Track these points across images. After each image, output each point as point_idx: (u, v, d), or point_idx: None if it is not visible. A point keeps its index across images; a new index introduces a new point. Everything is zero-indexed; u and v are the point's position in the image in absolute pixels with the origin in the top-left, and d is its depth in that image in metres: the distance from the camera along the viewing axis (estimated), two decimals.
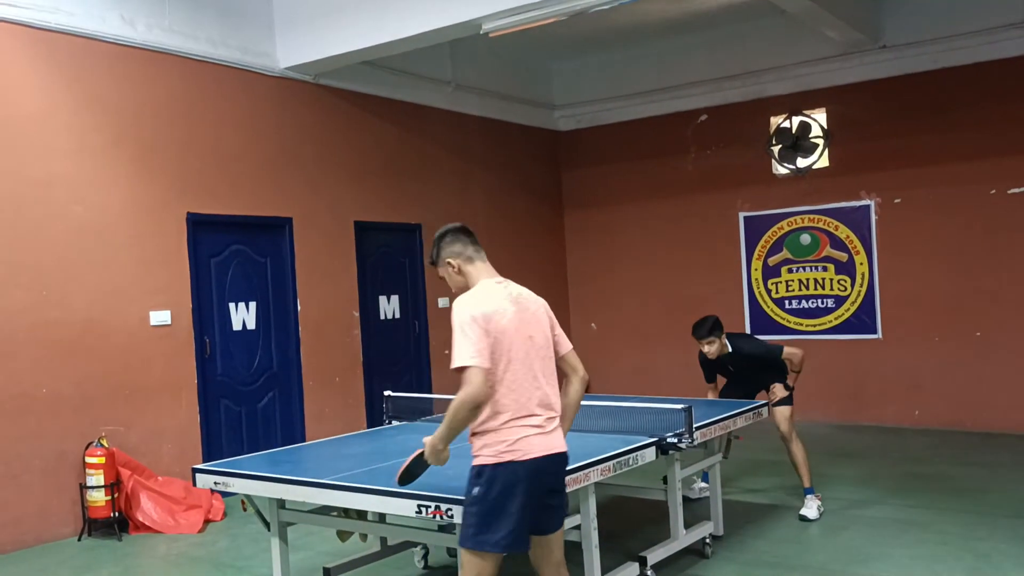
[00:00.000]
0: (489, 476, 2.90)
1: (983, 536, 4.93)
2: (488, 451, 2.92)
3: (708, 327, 5.48)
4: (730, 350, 5.55)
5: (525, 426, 2.95)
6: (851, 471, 6.73)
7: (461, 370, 2.85)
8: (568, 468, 3.51)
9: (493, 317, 2.93)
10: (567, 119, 10.64)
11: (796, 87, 9.01)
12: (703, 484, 5.98)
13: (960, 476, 6.45)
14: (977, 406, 8.17)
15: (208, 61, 6.92)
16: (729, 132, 9.46)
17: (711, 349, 5.50)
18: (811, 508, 5.46)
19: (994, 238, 8.09)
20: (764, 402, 5.37)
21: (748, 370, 5.63)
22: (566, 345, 3.22)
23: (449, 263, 3.12)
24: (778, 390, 5.55)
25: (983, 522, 5.20)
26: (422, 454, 3.05)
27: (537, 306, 3.12)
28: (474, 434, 2.97)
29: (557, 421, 3.06)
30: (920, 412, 8.48)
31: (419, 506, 3.17)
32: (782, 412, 5.54)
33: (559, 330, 3.22)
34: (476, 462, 2.95)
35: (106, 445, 5.91)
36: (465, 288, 3.11)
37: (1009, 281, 8.03)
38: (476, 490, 2.91)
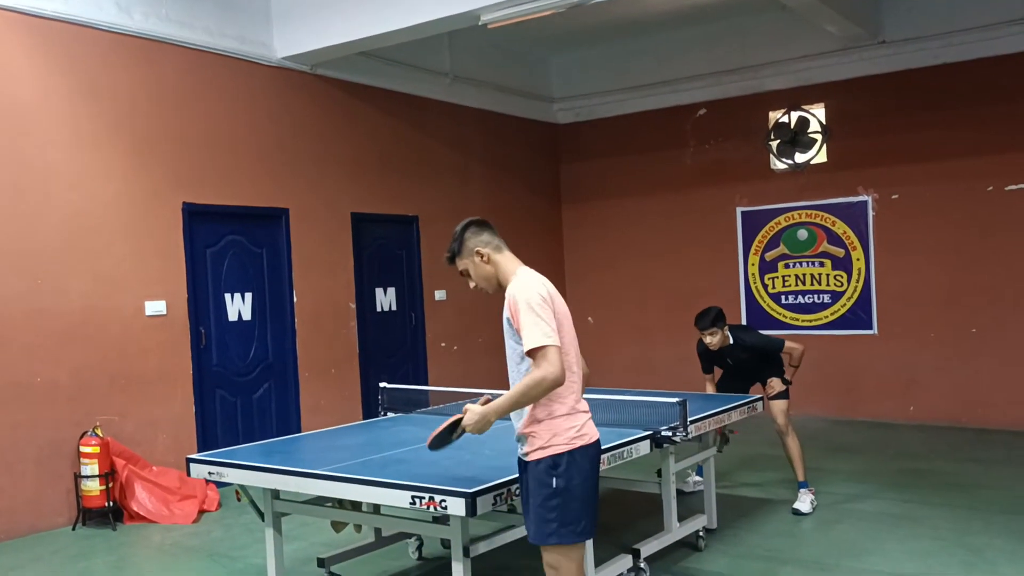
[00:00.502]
0: (567, 464, 2.83)
1: (977, 531, 4.95)
2: (560, 439, 2.84)
3: (711, 318, 5.49)
4: (731, 342, 5.56)
5: (584, 412, 2.97)
6: (846, 466, 6.74)
7: (535, 352, 2.73)
8: None
9: (555, 299, 2.90)
10: (566, 112, 10.62)
11: (795, 82, 9.00)
12: (698, 478, 5.99)
13: (954, 472, 6.47)
14: (972, 402, 8.19)
15: (205, 50, 6.90)
16: (727, 127, 9.45)
17: (713, 340, 5.50)
18: (804, 502, 5.48)
19: (991, 235, 8.10)
20: (759, 396, 5.38)
21: (747, 363, 5.64)
22: None
23: (479, 252, 2.99)
24: (775, 384, 5.56)
25: (977, 517, 5.22)
26: (459, 421, 2.95)
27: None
28: (538, 421, 2.86)
29: None
30: (915, 408, 8.50)
31: (413, 497, 3.17)
32: (779, 406, 5.55)
33: None
34: (548, 452, 2.84)
35: (101, 435, 5.91)
36: (492, 279, 3.02)
37: (1005, 278, 8.04)
38: (556, 482, 2.82)
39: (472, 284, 3.09)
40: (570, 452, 2.85)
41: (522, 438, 2.93)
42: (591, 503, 2.90)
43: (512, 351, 2.95)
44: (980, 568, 4.36)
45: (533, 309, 2.77)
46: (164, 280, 6.58)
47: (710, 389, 5.88)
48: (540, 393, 2.77)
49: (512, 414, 2.95)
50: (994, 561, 4.45)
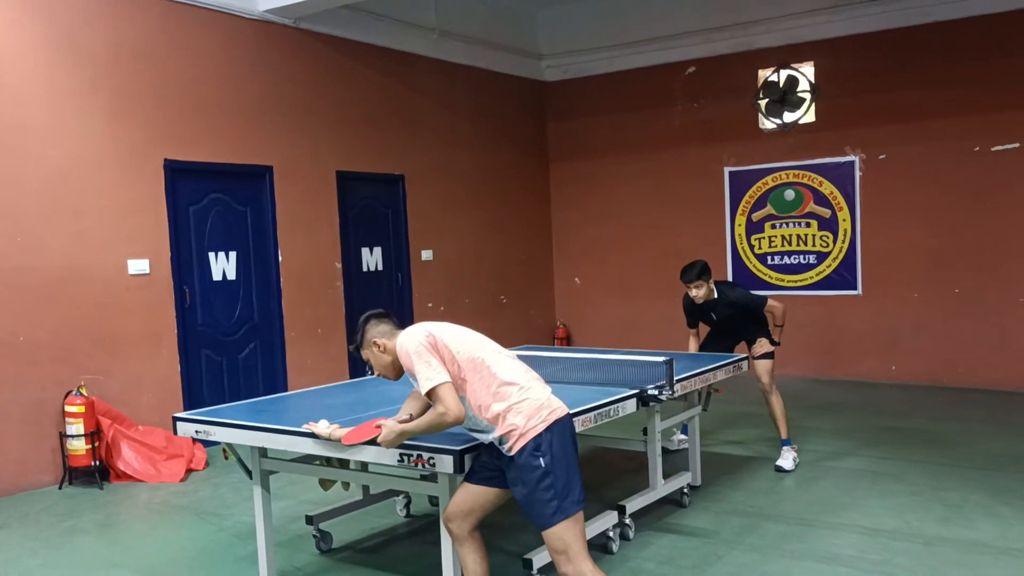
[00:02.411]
0: (548, 442, 2.93)
1: (954, 487, 5.04)
2: (535, 420, 2.95)
3: (697, 271, 5.51)
4: (716, 296, 5.58)
5: (543, 386, 3.10)
6: (827, 424, 6.84)
7: (430, 394, 2.95)
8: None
9: (445, 331, 3.12)
10: (554, 69, 10.49)
11: (785, 40, 8.92)
12: (682, 436, 6.06)
13: (933, 430, 6.57)
14: (953, 362, 8.29)
15: (186, 3, 6.73)
16: (717, 85, 9.38)
17: (699, 293, 5.52)
18: (787, 459, 5.56)
19: (976, 195, 8.13)
20: (744, 356, 5.42)
21: (731, 319, 5.66)
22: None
23: (375, 343, 3.21)
24: (764, 344, 5.59)
25: (954, 474, 5.32)
26: (373, 441, 3.17)
27: None
28: (505, 418, 2.96)
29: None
30: (896, 367, 8.61)
31: (401, 455, 3.18)
32: (764, 365, 5.60)
33: None
34: (529, 437, 2.93)
35: (85, 394, 5.89)
36: (389, 367, 3.22)
37: (989, 239, 8.09)
38: (543, 461, 2.91)
39: (376, 373, 3.30)
40: (548, 429, 2.95)
41: (503, 439, 2.99)
42: (577, 471, 3.00)
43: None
44: (956, 522, 4.45)
45: (418, 355, 2.98)
46: (146, 238, 6.50)
47: (693, 344, 5.91)
48: (445, 427, 2.99)
49: (473, 434, 3.11)
50: (970, 515, 4.55)
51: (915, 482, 5.18)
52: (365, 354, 3.27)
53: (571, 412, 3.13)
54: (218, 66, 6.99)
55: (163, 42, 6.61)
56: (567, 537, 2.89)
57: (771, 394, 5.63)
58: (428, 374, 2.95)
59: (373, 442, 3.17)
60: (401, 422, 3.14)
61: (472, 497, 3.13)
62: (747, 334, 5.72)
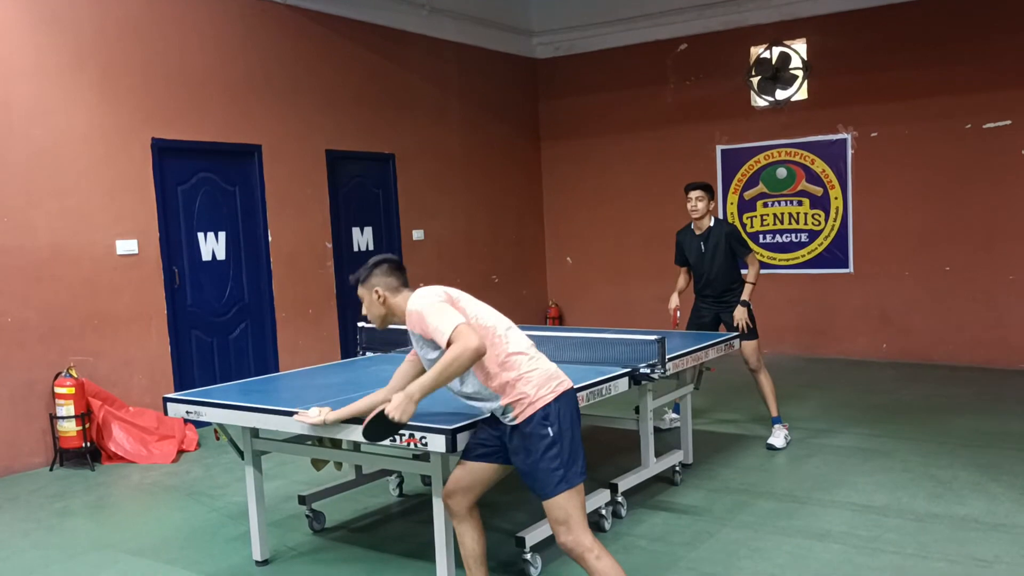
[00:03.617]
0: (556, 411, 2.92)
1: (944, 464, 5.08)
2: (544, 390, 2.93)
3: (702, 183, 5.70)
4: (712, 226, 5.67)
5: (549, 361, 3.06)
6: (818, 402, 6.87)
7: (450, 340, 2.79)
8: None
9: (460, 294, 3.06)
10: (545, 46, 10.41)
11: (778, 16, 8.86)
12: (674, 415, 6.08)
13: (924, 407, 6.61)
14: (943, 340, 8.33)
15: None
16: (709, 62, 9.32)
17: (699, 206, 5.64)
18: (778, 437, 5.59)
19: (967, 173, 8.13)
20: (735, 334, 5.42)
21: (715, 262, 5.68)
22: None
23: (376, 291, 3.13)
24: (740, 314, 5.60)
25: (944, 451, 5.35)
26: (381, 414, 2.90)
27: None
28: (514, 386, 2.91)
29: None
30: (887, 345, 8.65)
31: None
32: (750, 345, 5.62)
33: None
34: (537, 406, 2.90)
35: (75, 375, 5.85)
36: (379, 317, 3.17)
37: (980, 217, 8.10)
38: (551, 430, 2.89)
39: (363, 312, 3.23)
40: (556, 399, 2.94)
41: (507, 408, 2.95)
42: (580, 443, 2.99)
43: (429, 363, 3.02)
44: (946, 498, 4.48)
45: (432, 308, 2.89)
46: (135, 218, 6.44)
47: (682, 280, 5.97)
48: (463, 365, 2.79)
49: (472, 402, 3.06)
50: (960, 492, 4.58)
51: (905, 459, 5.22)
52: (362, 293, 3.18)
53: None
54: (205, 44, 6.90)
55: (149, 19, 6.51)
56: (569, 507, 2.88)
57: (759, 373, 5.65)
58: (446, 320, 2.81)
59: (390, 425, 2.92)
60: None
61: (470, 474, 3.12)
62: (725, 293, 5.72)
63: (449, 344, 2.80)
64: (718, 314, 5.78)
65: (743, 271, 5.73)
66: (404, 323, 3.10)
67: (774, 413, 5.66)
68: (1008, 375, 7.72)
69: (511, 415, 2.97)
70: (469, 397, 3.06)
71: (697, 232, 5.76)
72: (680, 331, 5.79)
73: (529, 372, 2.94)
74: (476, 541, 3.17)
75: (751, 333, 5.62)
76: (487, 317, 3.03)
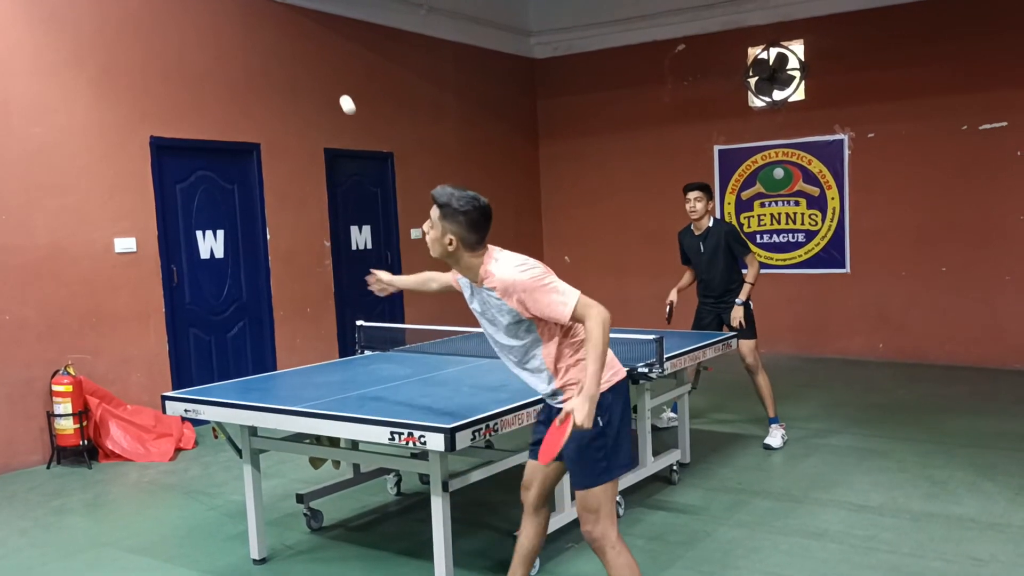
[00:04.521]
0: (610, 402, 2.80)
1: (940, 464, 5.10)
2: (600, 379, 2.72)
3: (700, 184, 5.74)
4: (711, 225, 5.70)
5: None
6: (815, 402, 6.89)
7: (575, 312, 2.66)
8: (536, 399, 3.53)
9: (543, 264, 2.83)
10: (543, 46, 10.41)
11: (775, 17, 8.88)
12: (672, 414, 6.09)
13: (920, 407, 6.63)
14: (940, 339, 8.35)
15: None
16: (706, 63, 9.34)
17: (697, 206, 5.66)
18: (775, 437, 5.60)
19: (963, 174, 8.15)
20: (734, 334, 5.44)
21: (714, 261, 5.70)
22: None
23: (450, 239, 2.78)
24: (738, 313, 5.61)
25: (941, 451, 5.37)
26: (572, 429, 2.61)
27: None
28: (568, 371, 2.81)
29: None
30: (884, 345, 8.67)
31: (392, 433, 3.17)
32: (748, 345, 5.63)
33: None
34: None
35: (73, 373, 5.85)
36: (442, 255, 2.83)
37: (976, 217, 8.12)
38: (600, 420, 2.74)
39: (424, 234, 2.89)
40: (611, 389, 2.82)
41: (557, 392, 2.87)
42: (628, 434, 2.91)
43: (511, 335, 2.84)
44: (942, 498, 4.50)
45: (543, 283, 2.69)
46: (133, 216, 6.44)
47: (687, 277, 6.00)
48: (607, 333, 2.64)
49: (527, 376, 2.93)
50: (956, 491, 4.60)
51: (902, 459, 5.23)
52: (434, 219, 2.80)
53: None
54: (204, 42, 6.90)
55: (148, 17, 6.50)
56: (604, 498, 2.81)
57: (757, 373, 5.66)
58: (568, 294, 2.67)
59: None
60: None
61: (535, 466, 3.07)
62: (725, 294, 5.74)
63: (574, 317, 2.65)
64: (719, 315, 5.79)
65: (743, 271, 5.74)
66: (468, 276, 2.86)
67: (771, 413, 5.68)
68: (1004, 375, 7.74)
69: (560, 399, 2.88)
70: (529, 369, 2.90)
71: (696, 232, 5.78)
72: (670, 329, 5.80)
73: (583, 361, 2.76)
74: (530, 539, 3.13)
75: (749, 332, 5.63)
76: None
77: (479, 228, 2.79)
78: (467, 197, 2.78)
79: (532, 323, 2.80)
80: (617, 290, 10.11)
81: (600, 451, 2.80)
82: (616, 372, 2.88)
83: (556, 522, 3.94)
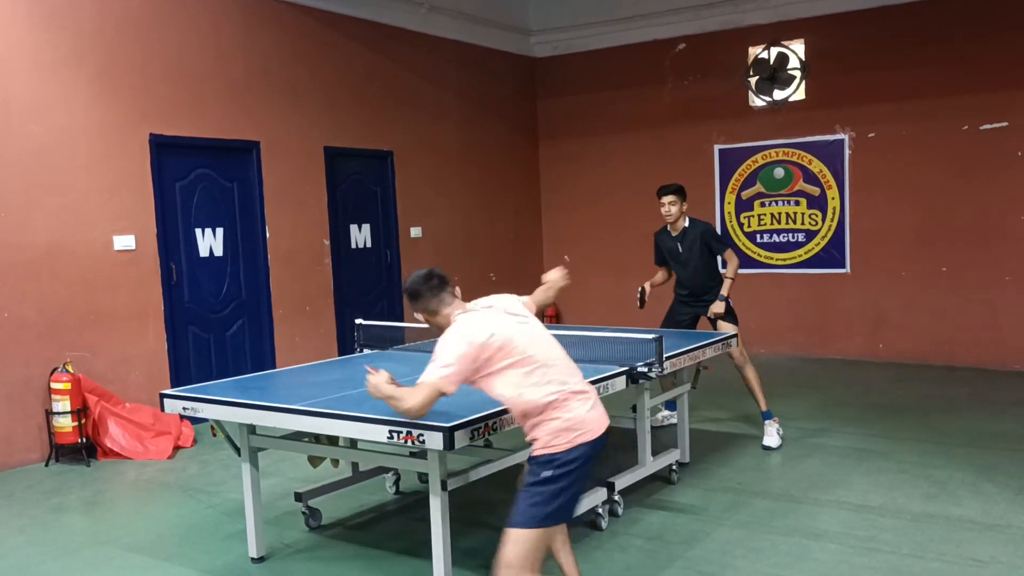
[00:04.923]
0: (563, 461, 2.83)
1: (940, 465, 5.09)
2: (559, 440, 2.83)
3: (674, 187, 5.75)
4: (687, 226, 5.73)
5: (583, 408, 2.93)
6: (814, 402, 6.88)
7: (421, 382, 2.94)
8: None
9: (496, 334, 2.92)
10: (543, 45, 10.40)
11: (776, 17, 8.87)
12: (667, 412, 6.08)
13: (920, 408, 6.62)
14: (940, 340, 8.34)
15: None
16: (707, 62, 9.33)
17: (671, 210, 5.70)
18: (772, 436, 5.60)
19: (964, 174, 8.14)
20: (733, 333, 5.43)
21: (693, 261, 5.72)
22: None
23: (416, 316, 3.16)
24: (715, 307, 5.63)
25: (940, 451, 5.36)
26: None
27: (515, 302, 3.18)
28: (535, 426, 2.90)
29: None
30: (884, 345, 8.66)
31: (391, 432, 3.16)
32: (728, 327, 5.67)
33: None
34: (548, 452, 2.84)
35: (72, 371, 5.84)
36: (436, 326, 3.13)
37: (976, 218, 8.11)
38: (549, 473, 2.81)
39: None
40: (569, 450, 2.84)
41: (530, 442, 2.95)
42: (577, 494, 2.91)
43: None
44: (942, 499, 4.50)
45: (454, 348, 2.89)
46: (132, 214, 6.43)
47: (660, 275, 6.03)
48: (398, 412, 2.98)
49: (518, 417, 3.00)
50: (955, 492, 4.59)
51: (901, 459, 5.23)
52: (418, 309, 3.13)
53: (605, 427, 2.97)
54: (204, 40, 6.89)
55: (148, 15, 6.49)
56: (525, 545, 2.75)
57: (745, 368, 5.69)
58: (431, 370, 2.89)
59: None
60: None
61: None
62: (704, 293, 5.75)
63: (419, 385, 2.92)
64: (697, 315, 5.81)
65: (722, 270, 5.75)
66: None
67: (764, 407, 5.68)
68: (1004, 376, 7.74)
69: (531, 447, 2.95)
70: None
71: (673, 233, 5.84)
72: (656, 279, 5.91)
73: (550, 421, 2.84)
74: (570, 567, 3.19)
75: (729, 318, 5.65)
76: (526, 356, 2.87)
77: (431, 293, 3.08)
78: (410, 281, 3.13)
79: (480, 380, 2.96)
80: (616, 289, 10.09)
81: (538, 496, 2.79)
82: (580, 435, 2.85)
83: None
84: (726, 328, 5.62)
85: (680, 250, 5.78)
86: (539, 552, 2.80)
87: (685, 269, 5.79)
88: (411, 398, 2.91)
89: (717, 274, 5.78)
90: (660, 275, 6.06)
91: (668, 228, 5.87)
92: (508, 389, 2.89)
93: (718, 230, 9.39)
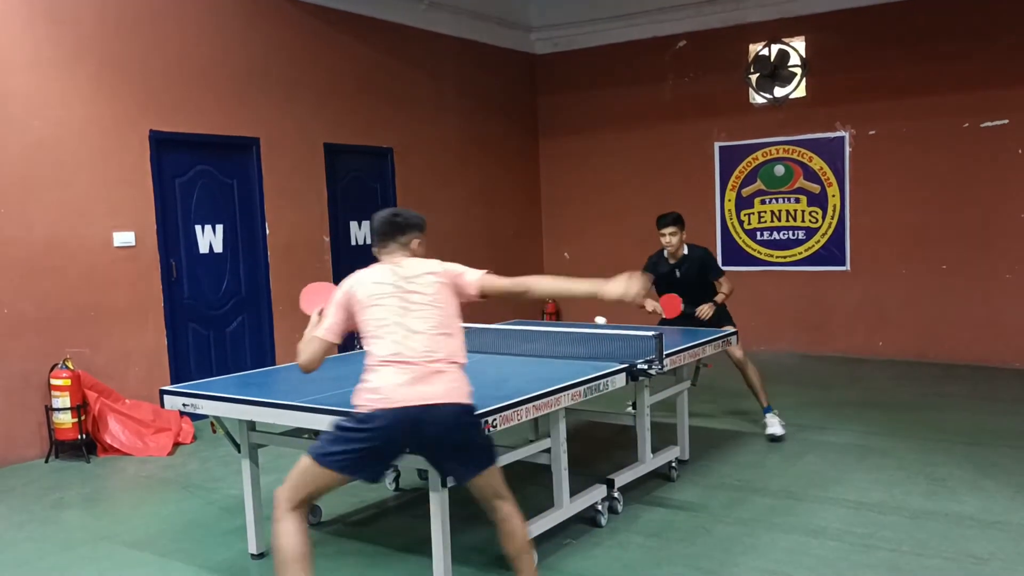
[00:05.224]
0: (355, 418, 2.98)
1: (939, 462, 5.09)
2: (359, 398, 3.01)
3: (672, 217, 5.76)
4: (686, 252, 5.76)
5: (389, 376, 3.01)
6: (814, 399, 6.88)
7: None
8: (535, 395, 3.52)
9: (347, 290, 3.25)
10: (544, 42, 10.39)
11: (776, 14, 8.85)
12: (631, 410, 5.90)
13: (919, 405, 6.62)
14: (939, 338, 8.34)
15: None
16: (707, 59, 9.31)
17: (672, 240, 5.70)
18: (775, 426, 5.62)
19: (964, 172, 8.13)
20: (733, 331, 5.44)
21: (689, 283, 5.73)
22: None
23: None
24: (705, 309, 5.67)
25: (940, 448, 5.36)
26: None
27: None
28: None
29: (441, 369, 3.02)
30: (884, 343, 8.66)
31: None
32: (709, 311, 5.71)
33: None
34: (354, 402, 3.05)
35: (71, 367, 5.84)
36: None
37: (976, 215, 8.11)
38: (343, 422, 3.01)
39: None
40: (369, 413, 2.93)
41: None
42: (371, 458, 3.00)
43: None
44: (942, 496, 4.50)
45: (331, 299, 3.24)
46: (132, 210, 6.42)
47: (650, 303, 5.84)
48: (302, 353, 3.24)
49: None
50: (955, 489, 4.59)
51: (901, 456, 5.23)
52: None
53: (425, 404, 2.92)
54: (204, 36, 6.87)
55: (148, 12, 6.48)
56: (299, 467, 3.01)
57: (746, 366, 5.71)
58: (321, 323, 3.18)
59: None
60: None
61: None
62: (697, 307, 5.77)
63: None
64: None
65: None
66: None
67: (765, 403, 5.71)
68: (1003, 373, 7.74)
69: None
70: None
71: (671, 260, 5.84)
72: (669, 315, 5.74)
73: (363, 380, 3.03)
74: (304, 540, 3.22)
75: (725, 320, 5.71)
76: (372, 318, 3.09)
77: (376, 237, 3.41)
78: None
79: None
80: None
81: (327, 434, 3.05)
82: (379, 400, 2.94)
83: (553, 519, 3.95)
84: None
85: (678, 275, 5.82)
86: (303, 482, 3.00)
87: (684, 293, 5.74)
88: (303, 351, 3.18)
89: (712, 289, 5.81)
90: (649, 302, 5.92)
91: (665, 254, 5.88)
92: (364, 340, 3.12)
93: (718, 230, 9.48)
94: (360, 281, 3.20)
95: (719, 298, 5.75)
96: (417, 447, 3.03)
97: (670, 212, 5.84)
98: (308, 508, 3.12)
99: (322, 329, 3.17)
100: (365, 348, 3.11)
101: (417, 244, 3.36)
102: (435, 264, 3.28)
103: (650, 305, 5.61)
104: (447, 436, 2.99)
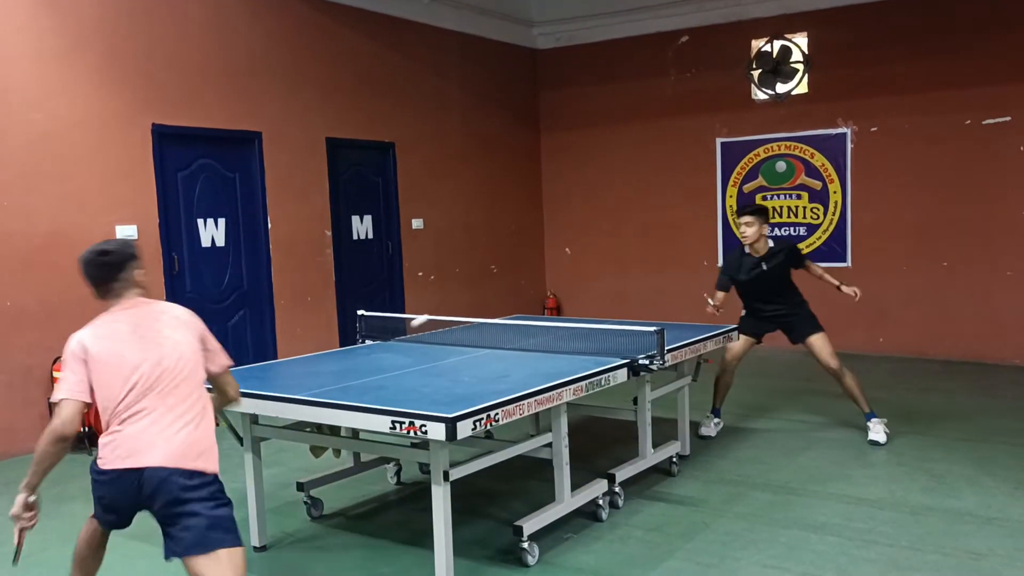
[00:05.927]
0: (96, 471, 2.96)
1: (939, 458, 5.10)
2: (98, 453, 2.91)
3: (752, 207, 5.55)
4: (771, 245, 5.54)
5: (132, 429, 2.95)
6: (814, 395, 6.89)
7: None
8: (537, 389, 3.53)
9: (86, 345, 2.95)
10: (546, 37, 10.38)
11: (778, 10, 8.84)
12: (716, 420, 5.89)
13: (919, 402, 6.64)
14: (939, 335, 8.35)
15: None
16: (709, 55, 9.31)
17: (748, 231, 5.45)
18: (878, 432, 5.45)
19: (966, 169, 8.13)
20: (734, 326, 5.45)
21: (779, 279, 5.56)
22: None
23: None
24: (852, 287, 5.63)
25: (939, 445, 5.38)
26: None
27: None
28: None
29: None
30: (884, 340, 8.67)
31: (393, 422, 3.18)
32: (826, 349, 5.54)
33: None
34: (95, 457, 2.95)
35: None
36: None
37: (977, 212, 8.11)
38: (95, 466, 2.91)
39: None
40: (103, 468, 2.87)
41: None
42: (102, 507, 3.02)
43: None
44: (941, 492, 4.51)
45: (64, 363, 2.86)
46: (134, 204, 6.43)
47: (720, 296, 5.65)
48: (47, 444, 2.79)
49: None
50: (954, 485, 4.61)
51: (901, 453, 5.24)
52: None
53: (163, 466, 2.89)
54: (206, 30, 6.87)
55: (150, 5, 6.48)
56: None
57: (843, 376, 5.54)
58: (60, 384, 2.83)
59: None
60: None
61: None
62: (788, 317, 5.64)
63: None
64: (771, 331, 5.73)
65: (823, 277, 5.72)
66: None
67: (866, 409, 5.55)
68: (1003, 370, 7.75)
69: None
70: None
71: (755, 255, 5.56)
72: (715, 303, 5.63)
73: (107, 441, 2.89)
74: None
75: (818, 331, 5.59)
76: (113, 379, 2.85)
77: (90, 280, 3.06)
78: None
79: None
80: (617, 282, 10.11)
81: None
82: (122, 459, 2.86)
83: (554, 513, 3.96)
84: (817, 343, 5.56)
85: (765, 268, 5.53)
86: (92, 524, 3.12)
87: (767, 290, 5.61)
88: (55, 418, 2.80)
89: (793, 286, 5.68)
90: (720, 297, 5.68)
91: (747, 250, 5.58)
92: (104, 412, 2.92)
93: (720, 226, 9.48)
94: (81, 338, 2.94)
95: (835, 280, 5.61)
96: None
97: (753, 203, 5.61)
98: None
99: (64, 391, 2.83)
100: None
101: (141, 275, 3.08)
102: (164, 312, 3.15)
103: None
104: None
